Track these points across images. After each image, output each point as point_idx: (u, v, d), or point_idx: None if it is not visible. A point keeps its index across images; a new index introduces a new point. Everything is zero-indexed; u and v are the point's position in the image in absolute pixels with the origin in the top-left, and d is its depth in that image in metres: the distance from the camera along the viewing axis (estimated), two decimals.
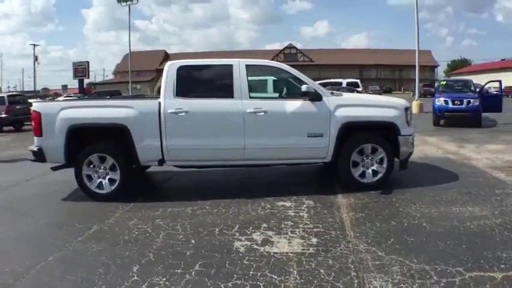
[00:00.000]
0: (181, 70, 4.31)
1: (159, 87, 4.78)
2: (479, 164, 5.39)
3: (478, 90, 11.28)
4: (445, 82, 13.07)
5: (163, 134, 4.20)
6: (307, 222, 3.47)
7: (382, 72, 53.83)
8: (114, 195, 4.29)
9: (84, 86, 32.67)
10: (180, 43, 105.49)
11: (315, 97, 4.25)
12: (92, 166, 4.30)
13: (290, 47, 54.66)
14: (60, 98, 23.99)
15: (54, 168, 4.53)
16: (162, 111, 4.17)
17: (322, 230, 3.27)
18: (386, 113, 4.37)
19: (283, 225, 3.40)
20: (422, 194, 4.10)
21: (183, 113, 4.14)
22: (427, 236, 3.03)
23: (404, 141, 4.34)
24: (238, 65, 4.34)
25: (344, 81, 9.87)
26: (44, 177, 5.48)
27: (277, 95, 4.63)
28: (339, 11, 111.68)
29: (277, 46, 63.52)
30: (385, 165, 4.35)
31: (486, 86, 11.55)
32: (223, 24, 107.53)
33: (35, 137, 4.34)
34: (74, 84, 34.39)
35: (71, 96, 23.42)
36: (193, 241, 3.12)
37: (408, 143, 4.37)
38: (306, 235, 3.16)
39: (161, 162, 4.35)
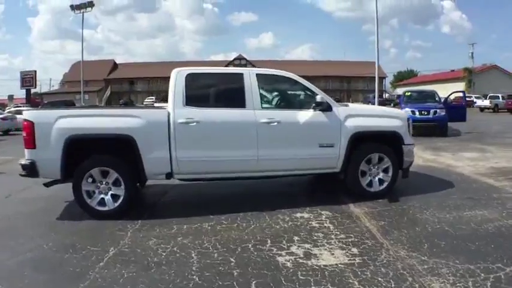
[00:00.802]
0: (189, 78, 4.17)
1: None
2: (465, 171, 5.94)
3: (443, 100, 12.37)
4: (410, 93, 14.11)
5: (172, 146, 4.00)
6: (336, 233, 3.52)
7: (331, 83, 56.86)
8: (117, 213, 3.99)
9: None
10: (125, 53, 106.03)
11: (326, 107, 4.36)
12: (92, 181, 3.93)
13: (240, 58, 56.09)
14: (13, 109, 21.60)
15: (48, 184, 4.09)
16: (171, 121, 3.97)
17: (356, 239, 3.34)
18: (391, 123, 4.63)
19: (315, 237, 3.42)
20: (428, 201, 4.39)
21: (194, 123, 4.00)
22: (455, 238, 3.26)
23: (407, 150, 4.63)
24: (249, 74, 4.30)
25: None
26: (25, 193, 5.01)
27: (287, 105, 4.60)
28: (283, 23, 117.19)
29: (222, 57, 64.44)
30: (390, 174, 4.59)
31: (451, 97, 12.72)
32: (168, 35, 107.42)
33: (26, 150, 3.91)
34: (21, 94, 31.46)
35: (20, 107, 21.51)
36: (232, 259, 3.01)
37: (410, 152, 4.68)
38: (344, 246, 3.22)
39: (169, 175, 4.12)
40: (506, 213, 3.82)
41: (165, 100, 4.57)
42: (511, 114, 24.62)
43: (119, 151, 4.03)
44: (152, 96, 47.07)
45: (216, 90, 4.40)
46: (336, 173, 4.63)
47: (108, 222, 3.87)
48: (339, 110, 4.49)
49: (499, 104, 27.24)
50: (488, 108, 27.37)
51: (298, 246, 3.25)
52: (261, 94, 4.35)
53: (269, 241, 3.36)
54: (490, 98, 27.72)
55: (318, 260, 2.97)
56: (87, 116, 4.07)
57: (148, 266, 2.87)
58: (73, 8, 33.13)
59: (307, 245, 3.26)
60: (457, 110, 11.92)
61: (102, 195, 4.03)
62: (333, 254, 3.07)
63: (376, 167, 4.62)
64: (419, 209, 4.13)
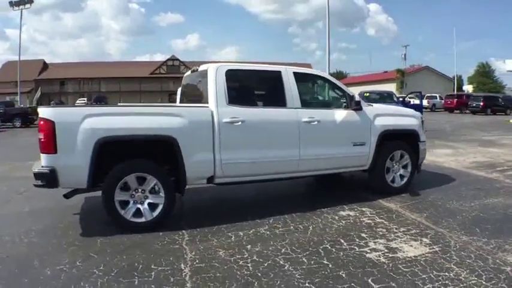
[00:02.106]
0: (229, 74, 3.98)
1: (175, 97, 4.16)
2: (453, 166, 6.70)
3: (401, 100, 13.58)
4: (368, 94, 14.95)
5: (216, 147, 3.76)
6: (395, 227, 3.73)
7: None
8: (155, 224, 3.62)
9: None
10: (49, 53, 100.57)
11: (358, 107, 4.53)
12: (126, 189, 3.52)
13: (173, 58, 55.28)
14: None
15: (68, 195, 3.51)
16: (215, 120, 3.72)
17: (417, 231, 3.61)
18: (411, 122, 5.03)
19: (380, 233, 3.59)
20: (445, 193, 4.93)
21: (239, 123, 3.83)
22: (495, 222, 3.79)
23: (422, 147, 5.03)
24: (287, 72, 4.27)
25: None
26: (20, 205, 4.33)
27: (322, 104, 4.67)
28: (210, 24, 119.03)
29: (147, 58, 62.10)
30: (409, 169, 4.98)
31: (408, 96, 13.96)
32: (93, 35, 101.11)
33: (43, 155, 3.32)
34: None
35: None
36: (325, 261, 3.01)
37: (424, 149, 5.11)
38: (413, 237, 3.47)
39: (211, 179, 3.89)
40: None
41: (171, 101, 4.20)
42: (449, 113, 28.02)
43: (156, 154, 3.62)
44: (84, 97, 44.27)
45: (256, 88, 4.26)
46: (364, 170, 4.80)
47: (147, 235, 3.50)
48: (367, 109, 4.71)
49: (436, 104, 30.69)
50: (426, 108, 29.37)
51: (374, 242, 3.38)
52: (299, 93, 4.31)
53: (342, 240, 3.43)
54: (428, 98, 30.98)
55: (404, 252, 3.14)
56: (120, 114, 3.59)
57: (247, 281, 2.67)
58: (12, 4, 32.46)
59: (381, 240, 3.39)
60: (415, 109, 13.21)
61: (137, 205, 3.56)
62: (411, 245, 3.25)
63: (397, 163, 4.93)
64: (445, 200, 4.57)
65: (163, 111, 3.81)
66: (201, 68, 4.38)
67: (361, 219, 3.98)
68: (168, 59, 56.07)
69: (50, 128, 3.25)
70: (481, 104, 27.32)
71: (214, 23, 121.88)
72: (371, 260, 2.98)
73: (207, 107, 3.85)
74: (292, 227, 3.76)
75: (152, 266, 2.89)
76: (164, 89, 50.95)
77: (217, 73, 3.96)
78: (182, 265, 2.92)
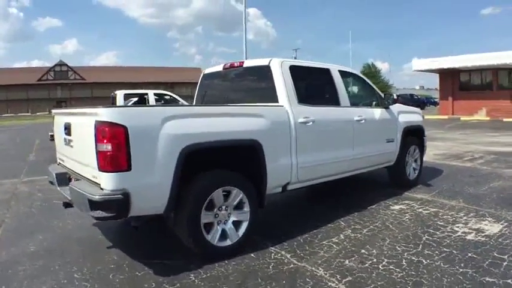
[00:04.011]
0: (291, 70, 3.71)
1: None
2: (430, 159, 7.48)
3: None
4: None
5: (292, 150, 3.47)
6: (452, 213, 4.16)
7: (156, 89, 57.27)
8: (240, 246, 3.18)
9: None
10: None
11: (387, 105, 4.74)
12: (211, 208, 3.03)
13: (61, 64, 49.60)
14: None
15: (137, 224, 2.89)
16: (291, 120, 3.45)
17: (474, 213, 4.09)
18: (419, 118, 5.59)
19: (451, 220, 3.92)
20: (450, 181, 5.76)
21: (311, 123, 3.65)
22: None
23: (426, 141, 5.56)
24: (334, 70, 4.25)
25: (150, 92, 10.24)
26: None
27: (362, 102, 4.70)
28: (88, 29, 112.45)
29: (25, 64, 54.42)
30: (419, 162, 5.46)
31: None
32: None
33: (109, 174, 2.57)
34: None
35: None
36: (444, 248, 3.15)
37: (426, 143, 5.63)
38: (478, 219, 3.90)
39: (285, 187, 3.54)
40: None
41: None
42: None
43: (237, 162, 3.11)
44: None
45: (314, 85, 4.05)
46: (388, 166, 5.01)
47: (239, 260, 3.05)
48: (392, 107, 4.95)
49: None
50: None
51: (456, 226, 3.68)
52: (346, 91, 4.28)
53: (430, 230, 3.61)
54: None
55: (488, 231, 3.52)
56: (204, 115, 2.98)
57: (415, 282, 2.61)
58: None
59: (459, 225, 3.75)
60: None
61: (222, 226, 2.99)
62: (486, 225, 3.69)
63: (411, 157, 5.31)
64: (459, 187, 5.32)
65: (246, 111, 3.33)
66: (250, 63, 3.94)
67: (418, 210, 4.28)
68: (56, 65, 50.03)
69: (121, 135, 2.53)
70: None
71: (93, 27, 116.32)
72: (473, 240, 3.30)
73: (282, 106, 3.46)
74: (371, 226, 3.79)
75: None
76: (52, 96, 44.90)
77: (282, 68, 3.62)
78: (330, 283, 2.62)
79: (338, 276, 2.70)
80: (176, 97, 11.43)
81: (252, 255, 3.10)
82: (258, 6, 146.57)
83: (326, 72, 4.28)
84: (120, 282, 2.68)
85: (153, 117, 2.72)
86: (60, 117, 3.54)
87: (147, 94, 10.50)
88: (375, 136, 4.71)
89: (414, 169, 5.55)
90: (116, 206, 2.52)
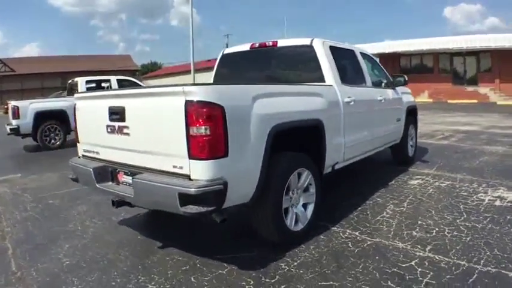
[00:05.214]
0: (331, 50, 3.79)
1: None
2: None
3: None
4: None
5: (341, 129, 3.60)
6: (466, 184, 4.67)
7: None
8: (308, 229, 3.23)
9: None
10: None
11: (394, 86, 5.08)
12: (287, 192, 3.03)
13: None
14: None
15: (221, 219, 2.56)
16: (340, 100, 3.57)
17: (485, 185, 4.65)
18: (413, 98, 5.94)
19: (470, 189, 4.43)
20: (441, 157, 6.39)
21: (352, 103, 3.79)
22: None
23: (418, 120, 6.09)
24: (357, 51, 4.43)
25: (113, 78, 10.04)
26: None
27: (378, 83, 4.93)
28: (11, 20, 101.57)
29: None
30: (414, 140, 5.98)
31: None
32: None
33: (206, 162, 2.35)
34: None
35: None
36: (486, 214, 3.55)
37: None
38: (493, 188, 4.45)
39: (334, 167, 3.66)
40: (506, 149, 6.11)
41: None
42: None
43: (303, 143, 3.14)
44: None
45: (346, 66, 4.16)
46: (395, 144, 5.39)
47: (309, 244, 3.15)
48: (397, 88, 5.27)
49: None
50: None
51: (480, 195, 4.13)
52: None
53: (460, 200, 4.02)
54: None
55: (508, 197, 4.03)
56: (284, 94, 2.95)
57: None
58: None
59: (481, 194, 4.22)
60: None
61: (295, 210, 3.01)
62: (503, 193, 4.23)
63: (410, 136, 5.77)
64: (455, 162, 5.99)
65: (311, 90, 3.30)
66: (286, 43, 3.89)
67: (436, 184, 4.77)
68: None
69: (219, 117, 2.34)
70: None
71: (15, 17, 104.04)
72: (502, 206, 3.78)
73: (331, 85, 3.51)
74: (407, 200, 4.09)
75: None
76: None
77: (324, 47, 3.65)
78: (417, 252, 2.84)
79: (419, 246, 2.94)
80: (139, 83, 10.75)
81: (322, 236, 3.19)
82: None
83: (352, 53, 4.49)
84: (211, 283, 2.48)
85: (244, 95, 2.62)
86: (94, 102, 3.14)
87: (109, 81, 9.73)
88: (390, 115, 5.08)
89: (411, 146, 6.05)
90: (215, 198, 2.33)
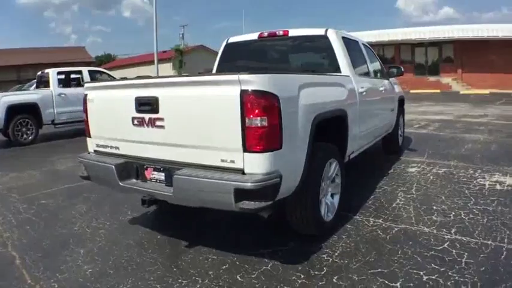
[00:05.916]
0: (344, 41, 3.86)
1: None
2: None
3: None
4: None
5: (357, 119, 3.70)
6: (463, 171, 5.00)
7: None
8: (335, 220, 3.29)
9: None
10: None
11: (388, 77, 5.29)
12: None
13: None
14: None
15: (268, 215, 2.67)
16: (356, 90, 3.67)
17: (481, 171, 4.98)
18: (401, 89, 6.18)
19: (468, 175, 4.76)
20: (427, 146, 6.71)
21: (365, 93, 3.90)
22: (508, 154, 5.59)
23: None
24: (360, 42, 4.55)
25: (85, 69, 9.86)
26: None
27: (378, 73, 5.06)
28: None
29: None
30: (403, 129, 6.27)
31: None
32: None
33: (257, 155, 2.27)
34: None
35: None
36: (488, 195, 3.82)
37: None
38: (490, 174, 4.78)
39: (349, 156, 3.76)
40: (486, 136, 6.72)
41: None
42: None
43: (330, 133, 3.19)
44: None
45: (355, 56, 4.21)
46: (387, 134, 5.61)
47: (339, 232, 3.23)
48: (391, 79, 5.48)
49: None
50: None
51: (479, 181, 4.42)
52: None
53: (463, 185, 4.28)
54: None
55: (507, 181, 4.37)
56: (321, 84, 2.95)
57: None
58: None
59: (481, 180, 4.53)
60: None
61: (326, 200, 3.07)
62: (500, 178, 4.56)
63: (399, 125, 6.05)
64: (443, 151, 6.36)
65: (336, 80, 3.29)
66: (298, 32, 3.88)
67: (433, 171, 5.04)
68: None
69: (275, 107, 2.27)
70: None
71: None
72: (504, 189, 4.07)
73: (348, 76, 3.56)
74: (414, 188, 4.28)
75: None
76: None
77: (337, 37, 3.72)
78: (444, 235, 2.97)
79: (444, 230, 3.12)
80: (111, 74, 10.20)
81: (349, 226, 3.27)
82: None
83: (357, 44, 4.60)
84: (260, 281, 2.40)
85: (292, 85, 2.59)
86: (114, 92, 2.91)
87: (81, 72, 9.14)
88: (386, 105, 5.28)
89: (400, 136, 6.33)
90: (272, 192, 2.26)
